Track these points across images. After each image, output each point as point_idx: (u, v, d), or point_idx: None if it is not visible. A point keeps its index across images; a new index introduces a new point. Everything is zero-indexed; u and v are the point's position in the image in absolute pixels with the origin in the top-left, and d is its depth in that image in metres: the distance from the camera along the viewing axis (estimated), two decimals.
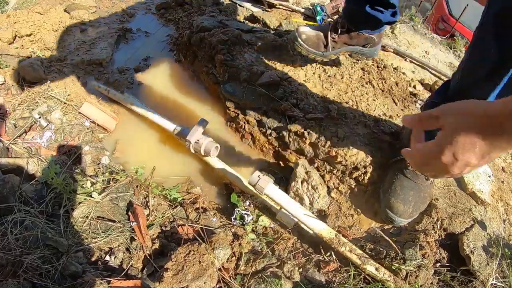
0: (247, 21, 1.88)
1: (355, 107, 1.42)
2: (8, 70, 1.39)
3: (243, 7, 2.04)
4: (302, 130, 1.29)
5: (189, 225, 1.11)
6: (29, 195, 1.06)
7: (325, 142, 1.26)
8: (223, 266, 1.00)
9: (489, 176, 1.36)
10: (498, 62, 0.87)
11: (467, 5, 2.89)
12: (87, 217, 1.05)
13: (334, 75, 1.55)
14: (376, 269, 1.00)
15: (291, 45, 1.43)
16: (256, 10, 2.09)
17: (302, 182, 1.25)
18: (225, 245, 1.03)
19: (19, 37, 1.72)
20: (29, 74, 1.44)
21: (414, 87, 1.72)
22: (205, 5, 1.98)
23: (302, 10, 2.16)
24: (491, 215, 1.26)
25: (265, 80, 1.41)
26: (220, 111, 1.55)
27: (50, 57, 1.58)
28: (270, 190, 1.10)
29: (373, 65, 1.72)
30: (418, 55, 2.03)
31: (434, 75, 1.93)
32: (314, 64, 1.58)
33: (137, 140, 1.45)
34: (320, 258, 1.08)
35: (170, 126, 1.37)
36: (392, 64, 1.81)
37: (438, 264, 1.08)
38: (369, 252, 1.08)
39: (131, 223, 1.07)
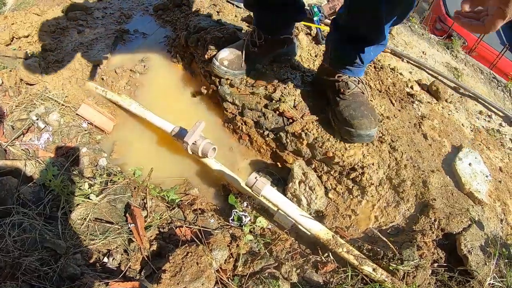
0: (244, 22, 1.89)
1: None
2: (6, 71, 1.38)
3: (240, 8, 2.04)
4: (300, 131, 1.29)
5: (187, 227, 1.11)
6: (27, 197, 1.06)
7: (322, 143, 1.26)
8: (221, 268, 1.00)
9: (487, 176, 1.37)
10: None
11: None
12: (85, 219, 1.05)
13: None
14: (374, 269, 1.01)
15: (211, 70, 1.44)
16: None
17: (299, 183, 1.25)
18: (222, 247, 1.03)
19: (16, 38, 1.72)
20: (27, 76, 1.44)
21: (412, 87, 1.73)
22: (202, 6, 1.98)
23: None
24: (488, 215, 1.27)
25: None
26: (217, 112, 1.55)
27: (47, 59, 1.57)
28: (267, 192, 1.11)
29: (370, 65, 1.72)
30: (415, 56, 2.03)
31: (431, 75, 1.93)
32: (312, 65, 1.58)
33: (134, 141, 1.45)
34: (318, 259, 1.09)
35: (167, 127, 1.37)
36: (389, 64, 1.81)
37: (435, 264, 1.08)
38: (367, 253, 1.08)
39: (129, 224, 1.07)
